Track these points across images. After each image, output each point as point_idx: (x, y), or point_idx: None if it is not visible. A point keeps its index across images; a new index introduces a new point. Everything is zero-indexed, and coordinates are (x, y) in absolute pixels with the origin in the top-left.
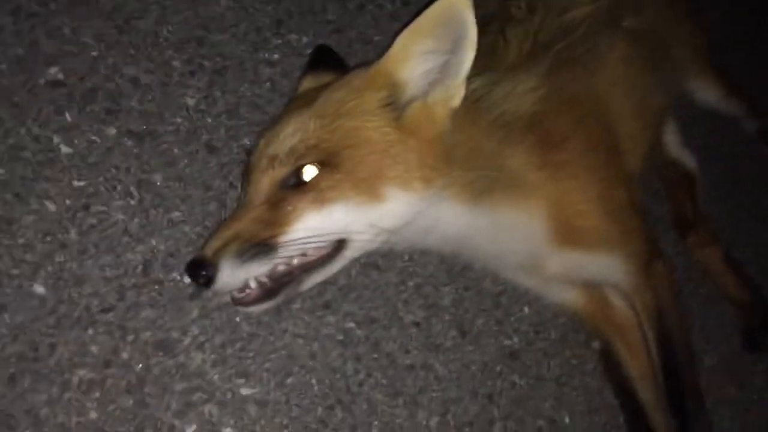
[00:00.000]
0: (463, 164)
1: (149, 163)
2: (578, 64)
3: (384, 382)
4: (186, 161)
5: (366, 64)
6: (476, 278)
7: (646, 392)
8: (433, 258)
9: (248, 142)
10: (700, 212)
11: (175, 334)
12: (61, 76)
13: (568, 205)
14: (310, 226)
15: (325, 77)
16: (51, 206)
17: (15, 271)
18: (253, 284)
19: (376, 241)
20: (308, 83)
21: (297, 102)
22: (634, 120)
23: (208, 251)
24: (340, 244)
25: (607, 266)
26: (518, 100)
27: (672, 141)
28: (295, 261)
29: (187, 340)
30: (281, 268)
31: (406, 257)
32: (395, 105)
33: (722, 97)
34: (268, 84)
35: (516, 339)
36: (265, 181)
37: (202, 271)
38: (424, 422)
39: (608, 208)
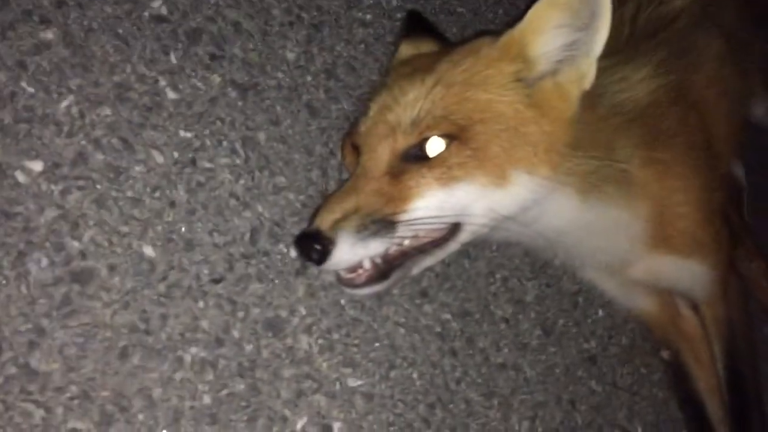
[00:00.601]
0: (586, 152)
1: (253, 119)
2: (682, 57)
3: (479, 381)
4: (288, 121)
5: (481, 34)
6: (556, 275)
7: (714, 406)
8: (518, 251)
9: (346, 107)
10: (747, 225)
11: (283, 313)
12: (164, 10)
13: (670, 206)
14: (431, 205)
15: (423, 44)
16: (159, 157)
17: (125, 228)
18: (367, 264)
19: (487, 227)
20: (405, 49)
21: (407, 68)
22: (725, 123)
23: (324, 223)
24: (454, 227)
25: (695, 274)
26: (634, 89)
27: None
28: (407, 242)
29: (295, 321)
30: (394, 248)
31: (494, 247)
32: (526, 81)
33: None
34: (362, 46)
35: (593, 343)
36: (384, 151)
37: (316, 244)
38: (516, 426)
39: (706, 213)
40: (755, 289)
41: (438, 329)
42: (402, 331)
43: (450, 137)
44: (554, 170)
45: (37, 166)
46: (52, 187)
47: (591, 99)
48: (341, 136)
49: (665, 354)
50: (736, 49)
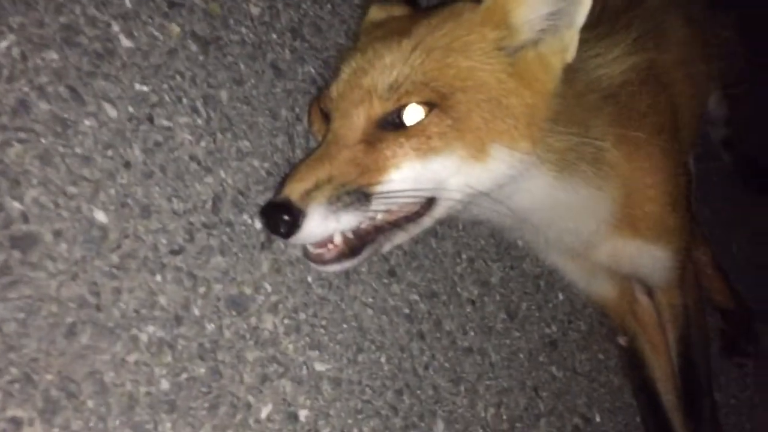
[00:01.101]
0: (565, 128)
1: (215, 75)
2: (654, 37)
3: (446, 366)
4: (252, 81)
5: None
6: (519, 257)
7: (668, 393)
8: (483, 231)
9: (313, 70)
10: (693, 212)
11: (247, 290)
12: None
13: (639, 188)
14: (407, 177)
15: (395, 8)
16: (111, 111)
17: (73, 189)
18: (338, 239)
19: (462, 203)
20: (375, 12)
21: (380, 30)
22: (690, 107)
23: (294, 193)
24: (429, 202)
25: (657, 260)
26: (609, 66)
27: None
28: (380, 216)
29: (260, 299)
30: (366, 223)
31: (461, 227)
32: (508, 50)
33: (720, 99)
34: (329, 6)
35: (554, 327)
36: (359, 117)
37: (285, 215)
38: (483, 413)
39: (672, 197)
40: (701, 276)
41: (406, 310)
42: (370, 312)
43: (429, 105)
44: (534, 145)
45: None
46: None
47: (569, 74)
48: (308, 101)
49: (622, 340)
50: (698, 35)
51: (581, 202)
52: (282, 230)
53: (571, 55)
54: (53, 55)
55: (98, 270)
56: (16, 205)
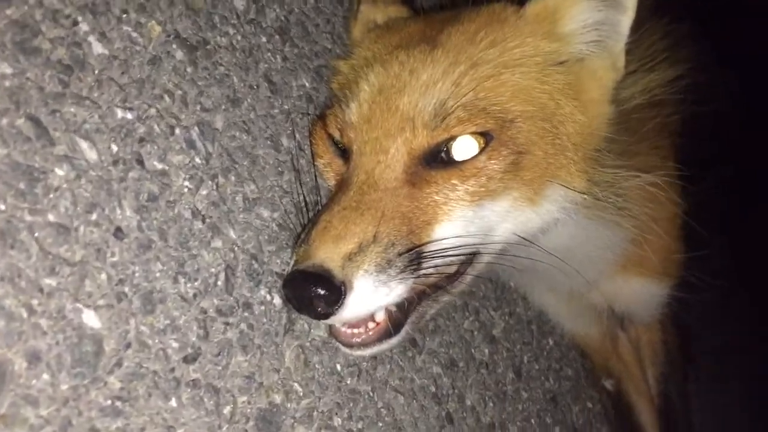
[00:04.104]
0: (613, 160)
1: (208, 93)
2: (650, 48)
3: None
4: (249, 100)
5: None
6: (513, 300)
7: None
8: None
9: (306, 83)
10: None
11: (277, 398)
12: None
13: (653, 223)
14: (458, 229)
15: (391, 8)
16: (90, 152)
17: (50, 282)
18: (381, 315)
19: (500, 254)
20: (369, 12)
21: (395, 36)
22: (680, 119)
23: (333, 259)
24: (470, 257)
25: (655, 296)
26: (630, 87)
27: None
28: (431, 278)
29: (291, 408)
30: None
31: None
32: (563, 64)
33: None
34: (312, 1)
35: (552, 380)
36: (398, 150)
37: (321, 289)
38: None
39: (677, 229)
40: None
41: (432, 388)
42: (401, 400)
43: (485, 135)
44: (587, 182)
45: None
46: None
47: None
48: (307, 124)
49: (608, 383)
50: (677, 37)
51: (598, 242)
52: (319, 309)
53: (620, 70)
54: (4, 69)
55: (96, 407)
56: None
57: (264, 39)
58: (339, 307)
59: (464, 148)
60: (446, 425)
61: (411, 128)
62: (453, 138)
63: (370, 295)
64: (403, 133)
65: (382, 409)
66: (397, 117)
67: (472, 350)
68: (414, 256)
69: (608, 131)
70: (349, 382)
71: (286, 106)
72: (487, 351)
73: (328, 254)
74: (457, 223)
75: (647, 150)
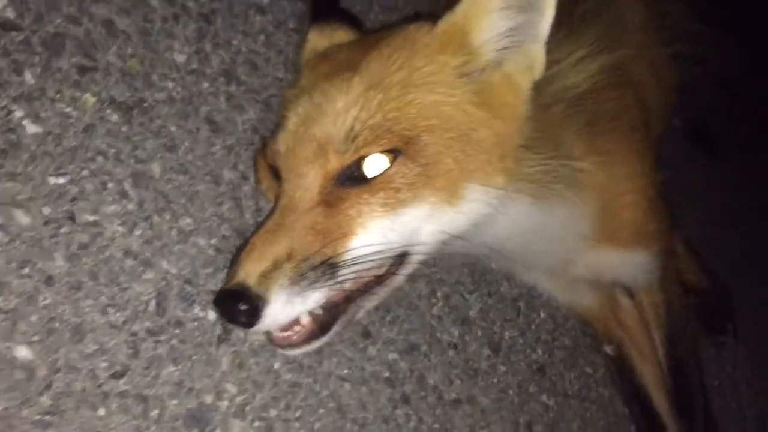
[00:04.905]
0: (538, 152)
1: (143, 146)
2: (612, 30)
3: (436, 426)
4: (187, 144)
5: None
6: (495, 281)
7: (660, 399)
8: (455, 261)
9: (254, 115)
10: (670, 204)
11: (207, 399)
12: (11, 13)
13: (616, 196)
14: (375, 237)
15: (336, 32)
16: (23, 218)
17: None
18: (305, 319)
19: (433, 251)
20: (315, 39)
21: (324, 64)
22: (658, 96)
23: (251, 277)
24: (399, 258)
25: (639, 265)
26: (573, 73)
27: None
28: (348, 284)
29: (223, 406)
30: (334, 294)
31: (431, 263)
32: (471, 76)
33: None
34: (262, 36)
35: (540, 351)
36: (314, 175)
37: (242, 304)
38: None
39: (650, 198)
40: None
41: (386, 374)
42: (347, 386)
43: (393, 152)
44: (510, 178)
45: None
46: None
47: (534, 89)
48: (252, 154)
49: (609, 349)
50: (655, 15)
51: (558, 222)
52: (241, 320)
53: (539, 71)
54: None
55: (27, 421)
56: None
57: (206, 84)
58: (258, 318)
59: (374, 165)
60: (399, 405)
61: (324, 154)
62: (363, 158)
63: (285, 305)
64: (317, 159)
65: (325, 398)
66: (314, 145)
67: (438, 334)
68: (326, 268)
69: (533, 127)
70: (288, 377)
71: (229, 142)
72: (456, 333)
73: (248, 274)
74: (374, 232)
75: (588, 136)
